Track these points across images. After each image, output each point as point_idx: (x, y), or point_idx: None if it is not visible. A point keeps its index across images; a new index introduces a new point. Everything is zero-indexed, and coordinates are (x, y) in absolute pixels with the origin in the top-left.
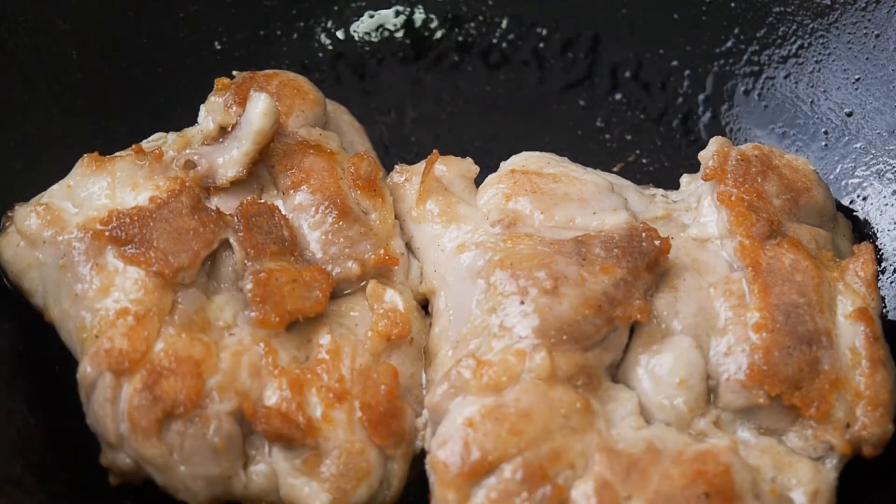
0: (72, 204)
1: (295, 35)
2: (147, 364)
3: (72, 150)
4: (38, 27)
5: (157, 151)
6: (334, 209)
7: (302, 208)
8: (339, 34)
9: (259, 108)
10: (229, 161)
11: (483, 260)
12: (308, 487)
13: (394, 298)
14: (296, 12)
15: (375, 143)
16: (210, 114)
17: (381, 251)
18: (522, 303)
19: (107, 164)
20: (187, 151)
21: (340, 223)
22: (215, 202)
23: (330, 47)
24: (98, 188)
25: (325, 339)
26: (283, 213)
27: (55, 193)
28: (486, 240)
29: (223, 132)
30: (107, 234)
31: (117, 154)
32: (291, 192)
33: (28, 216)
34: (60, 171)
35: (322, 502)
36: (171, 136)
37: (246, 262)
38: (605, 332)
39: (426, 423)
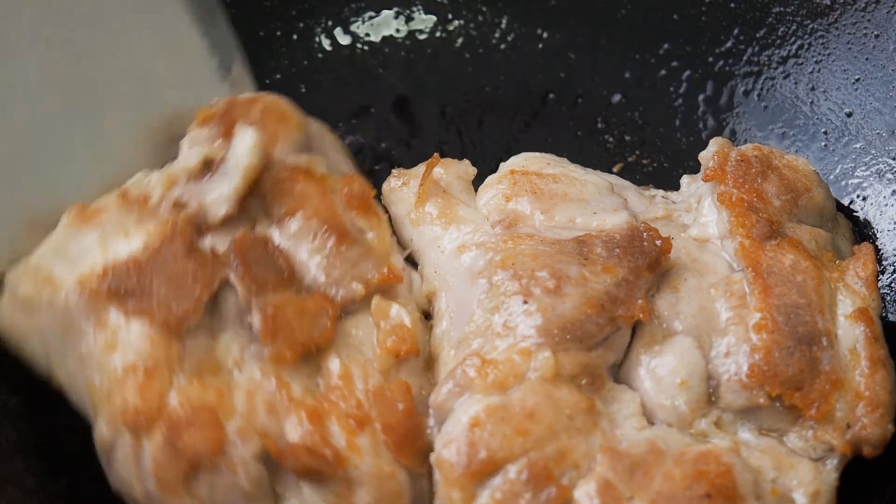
0: (64, 262)
1: (295, 35)
2: (164, 418)
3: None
4: None
5: (143, 196)
6: (332, 233)
7: (299, 235)
8: (339, 34)
9: (246, 143)
10: (219, 198)
11: (484, 260)
12: None
13: (400, 314)
14: (296, 12)
15: (375, 143)
16: (193, 147)
17: (385, 270)
18: (525, 302)
19: (93, 216)
20: (176, 191)
21: (340, 246)
22: (209, 240)
23: (330, 47)
24: (89, 242)
25: (334, 363)
26: (279, 242)
27: (45, 254)
28: (486, 240)
29: (208, 166)
30: (105, 290)
31: (102, 203)
32: (286, 220)
33: (21, 281)
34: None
35: None
36: (155, 175)
37: (249, 298)
38: (608, 332)
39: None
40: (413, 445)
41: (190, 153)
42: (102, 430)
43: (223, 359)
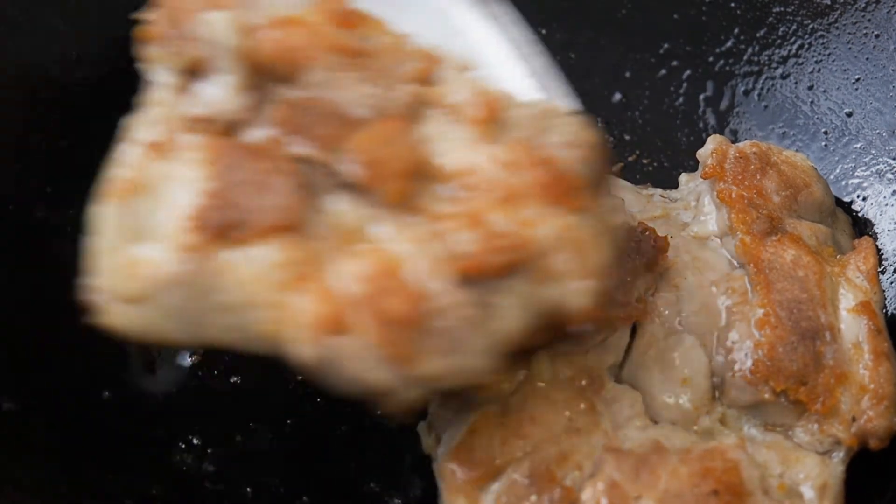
0: (139, 240)
1: None
2: (354, 307)
3: (72, 149)
4: (37, 27)
5: (166, 139)
6: (348, 58)
7: (321, 80)
8: None
9: (220, 27)
10: (229, 95)
11: None
12: None
13: (467, 83)
14: None
15: None
16: (161, 65)
17: (419, 58)
18: None
19: (133, 184)
20: (192, 114)
21: (364, 65)
22: (253, 135)
23: None
24: (146, 208)
25: (444, 164)
26: (311, 96)
27: (110, 245)
28: None
29: (193, 75)
30: (206, 239)
31: (124, 172)
32: (299, 74)
33: (110, 281)
34: (60, 171)
35: None
36: (151, 114)
37: (328, 157)
38: (605, 334)
39: (430, 430)
40: (571, 187)
41: (161, 74)
42: (306, 352)
43: (352, 225)
